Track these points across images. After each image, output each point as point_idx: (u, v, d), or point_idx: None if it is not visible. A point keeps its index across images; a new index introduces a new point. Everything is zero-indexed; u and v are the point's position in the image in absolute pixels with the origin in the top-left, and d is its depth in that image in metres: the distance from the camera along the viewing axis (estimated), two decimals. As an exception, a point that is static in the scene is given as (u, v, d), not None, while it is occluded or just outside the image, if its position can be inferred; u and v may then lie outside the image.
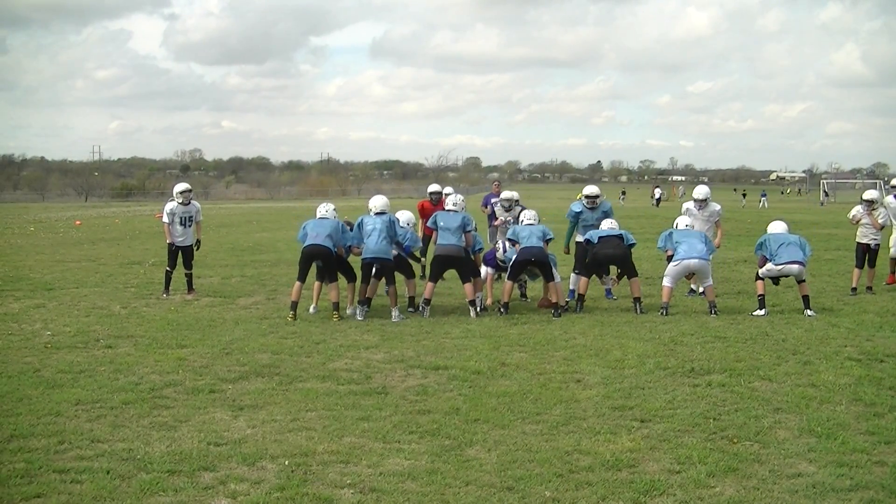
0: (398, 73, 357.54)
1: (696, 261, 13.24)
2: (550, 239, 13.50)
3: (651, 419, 7.53)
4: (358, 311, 12.94)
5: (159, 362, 9.74)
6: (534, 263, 13.29)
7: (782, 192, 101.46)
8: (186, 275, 15.19)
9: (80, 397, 8.18)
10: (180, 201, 15.09)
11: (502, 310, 13.17)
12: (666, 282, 13.33)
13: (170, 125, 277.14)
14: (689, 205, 14.90)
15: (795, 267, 13.12)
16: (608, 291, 14.68)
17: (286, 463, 6.41)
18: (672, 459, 6.50)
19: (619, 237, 13.75)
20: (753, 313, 13.04)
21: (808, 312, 12.91)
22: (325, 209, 13.40)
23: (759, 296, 13.26)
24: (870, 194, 15.84)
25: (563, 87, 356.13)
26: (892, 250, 15.81)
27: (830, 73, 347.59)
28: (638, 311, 13.19)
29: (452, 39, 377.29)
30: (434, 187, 18.14)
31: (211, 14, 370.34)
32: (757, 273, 13.54)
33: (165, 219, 15.12)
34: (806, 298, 13.12)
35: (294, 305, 12.83)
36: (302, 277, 13.04)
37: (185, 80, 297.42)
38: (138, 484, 5.97)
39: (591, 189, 15.03)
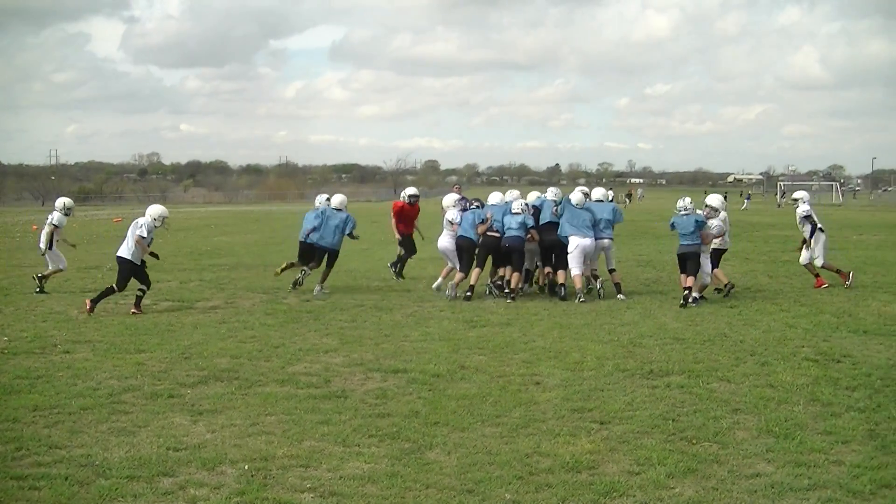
0: (357, 77, 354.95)
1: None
2: (531, 227, 14.80)
3: (610, 421, 7.58)
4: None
5: (117, 367, 9.65)
6: (510, 250, 14.60)
7: (748, 196, 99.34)
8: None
9: (37, 403, 8.09)
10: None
11: (493, 291, 15.01)
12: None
13: (128, 129, 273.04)
14: None
15: (606, 241, 14.95)
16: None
17: (246, 467, 6.38)
18: (631, 461, 6.55)
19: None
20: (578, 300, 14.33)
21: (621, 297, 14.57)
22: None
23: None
24: (712, 200, 15.27)
25: (522, 89, 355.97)
26: (801, 257, 16.39)
27: (788, 76, 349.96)
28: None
29: (413, 42, 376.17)
30: (412, 190, 18.82)
31: (170, 17, 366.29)
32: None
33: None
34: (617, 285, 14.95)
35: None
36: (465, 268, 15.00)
37: (143, 84, 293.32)
38: (97, 490, 5.92)
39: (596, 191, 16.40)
